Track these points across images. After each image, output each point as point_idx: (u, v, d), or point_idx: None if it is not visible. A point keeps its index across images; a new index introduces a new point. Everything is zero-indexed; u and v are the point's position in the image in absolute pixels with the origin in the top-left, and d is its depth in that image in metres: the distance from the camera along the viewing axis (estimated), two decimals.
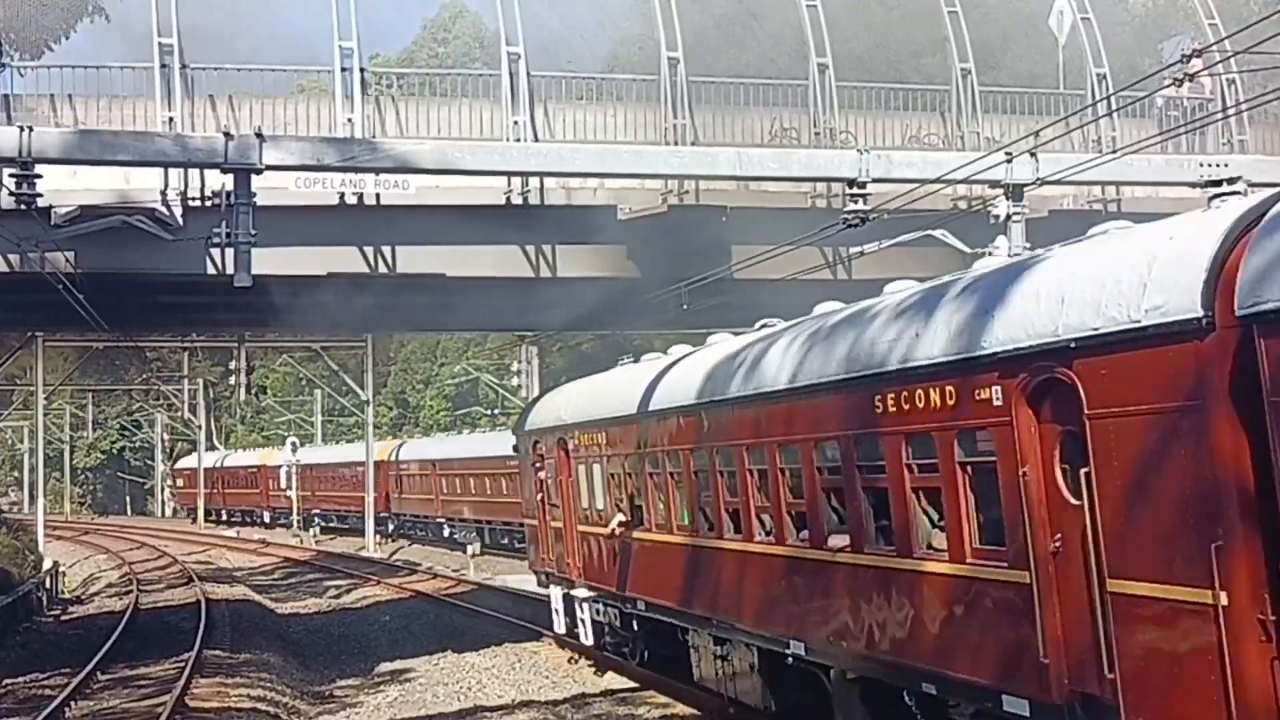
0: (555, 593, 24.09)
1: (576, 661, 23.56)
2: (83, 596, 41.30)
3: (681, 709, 19.31)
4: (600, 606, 21.69)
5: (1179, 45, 23.44)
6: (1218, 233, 9.04)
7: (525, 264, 23.41)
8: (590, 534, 21.45)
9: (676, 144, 22.47)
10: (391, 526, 61.16)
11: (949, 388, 11.24)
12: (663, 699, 20.11)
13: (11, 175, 17.10)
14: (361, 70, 22.28)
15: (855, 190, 18.82)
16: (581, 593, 22.20)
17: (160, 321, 36.61)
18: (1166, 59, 23.53)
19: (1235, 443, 8.53)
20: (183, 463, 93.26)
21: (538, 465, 23.78)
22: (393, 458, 61.38)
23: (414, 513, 59.10)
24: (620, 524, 19.48)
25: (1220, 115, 22.85)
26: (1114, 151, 20.13)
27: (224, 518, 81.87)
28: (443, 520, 54.61)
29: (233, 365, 55.74)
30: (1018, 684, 10.53)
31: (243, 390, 59.52)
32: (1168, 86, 18.20)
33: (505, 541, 47.62)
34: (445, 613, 32.98)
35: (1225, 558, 8.54)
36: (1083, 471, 9.78)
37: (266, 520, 75.31)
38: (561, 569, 23.10)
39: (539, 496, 23.88)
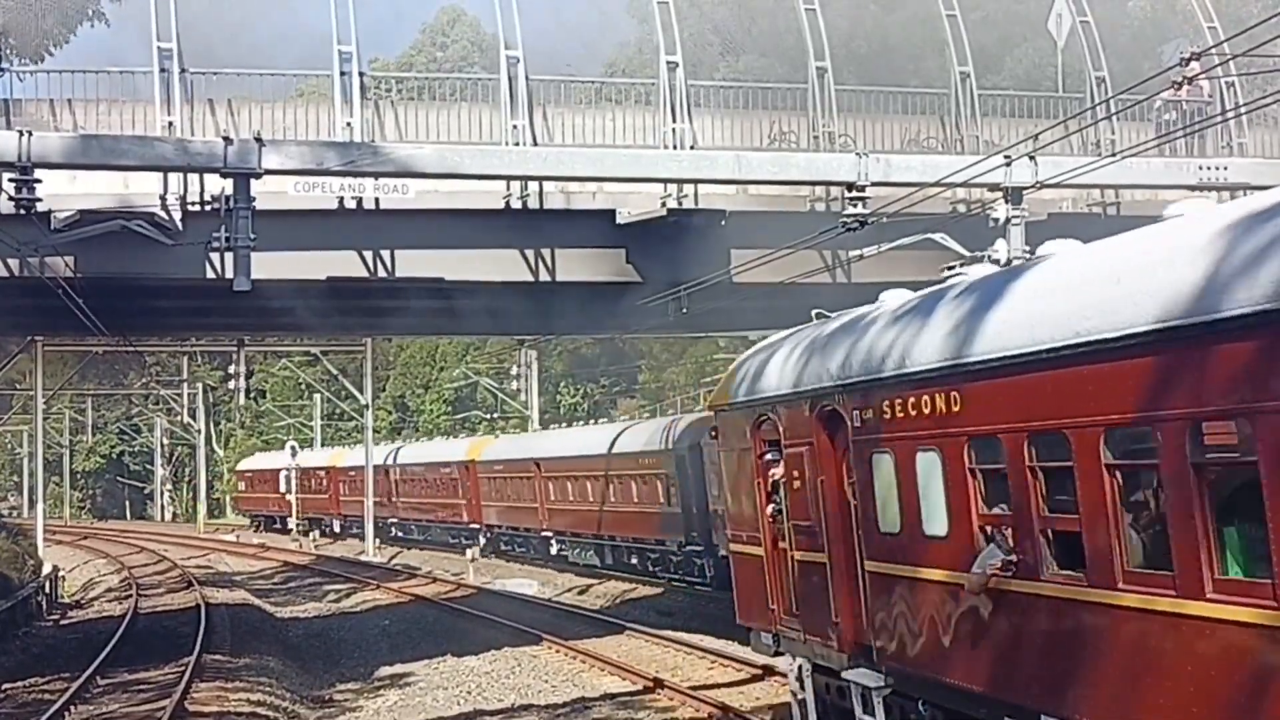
0: (797, 668, 15.16)
1: None
2: (82, 601, 41.30)
3: (682, 713, 19.31)
4: (921, 710, 12.45)
5: (1178, 48, 23.47)
6: None
7: (524, 268, 23.41)
8: (904, 578, 12.18)
9: (675, 148, 22.47)
10: (483, 541, 50.49)
11: None
12: (664, 703, 20.12)
13: (11, 180, 17.11)
14: (361, 74, 22.27)
15: (854, 194, 18.84)
16: (866, 678, 13.11)
17: (159, 326, 36.62)
18: (1166, 62, 23.55)
19: None
20: (245, 464, 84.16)
21: (767, 458, 15.02)
22: (481, 456, 50.82)
23: (511, 524, 48.24)
24: (1004, 565, 10.62)
25: (1219, 118, 22.85)
26: (1113, 154, 20.14)
27: (287, 527, 70.94)
28: (549, 534, 44.64)
29: (232, 369, 55.86)
30: None
31: (242, 394, 59.61)
32: (1167, 90, 18.20)
33: (633, 562, 38.43)
34: (445, 617, 32.98)
35: None
36: None
37: (337, 530, 66.23)
38: (817, 630, 14.14)
39: (768, 509, 15.07)
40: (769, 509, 15.10)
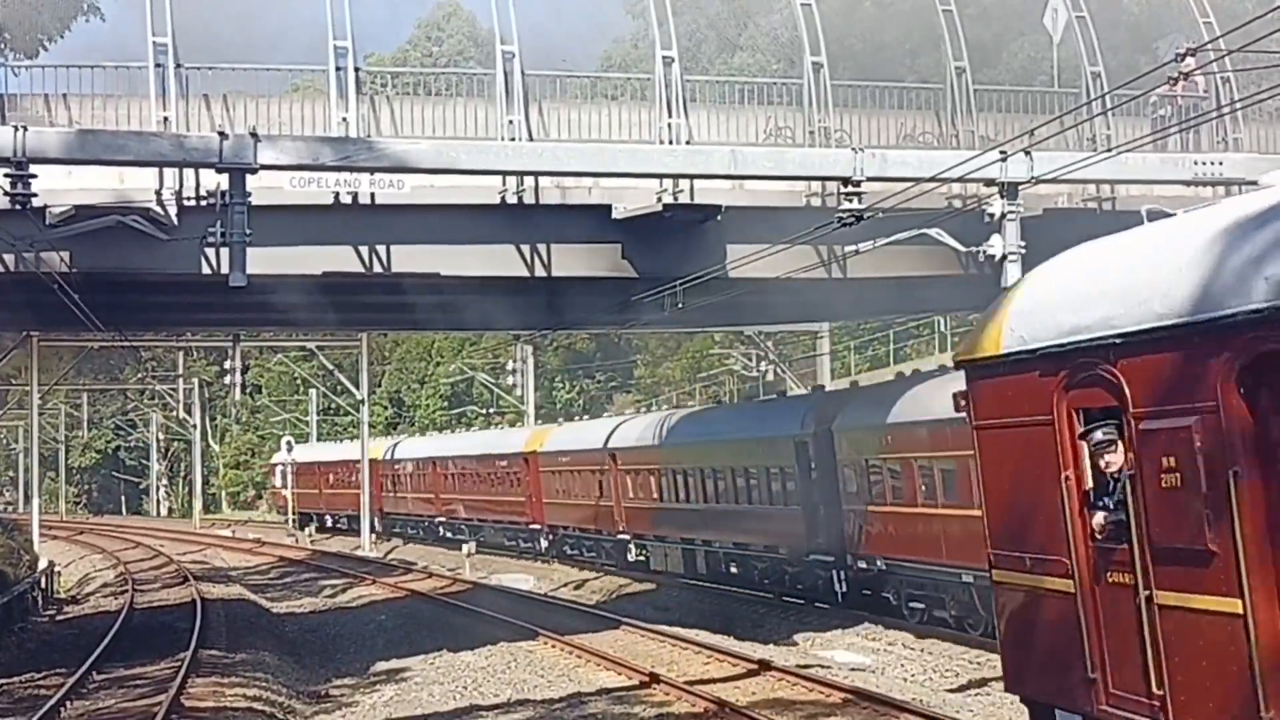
0: None
1: None
2: (78, 596, 41.26)
3: (678, 707, 19.32)
4: None
5: (1173, 44, 23.47)
6: None
7: (520, 263, 23.40)
8: None
9: (671, 143, 22.48)
10: (545, 544, 44.77)
11: None
12: (660, 697, 20.13)
13: (6, 175, 17.11)
14: (356, 69, 22.25)
15: (850, 189, 18.86)
16: None
17: (155, 321, 36.63)
18: (1162, 58, 23.58)
19: None
20: (281, 457, 75.74)
21: (1097, 438, 9.61)
22: (543, 447, 44.74)
23: (580, 525, 42.04)
24: None
25: (1214, 114, 22.88)
26: (1109, 150, 20.17)
27: (328, 525, 64.95)
28: (627, 537, 38.60)
29: (228, 364, 55.72)
30: None
31: (238, 390, 59.54)
32: (1162, 85, 18.25)
33: (733, 571, 32.82)
34: (441, 612, 32.98)
35: None
36: None
37: (379, 530, 59.62)
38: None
39: (1092, 519, 9.71)
40: (1095, 518, 9.67)
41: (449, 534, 53.62)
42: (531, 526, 45.23)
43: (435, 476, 54.28)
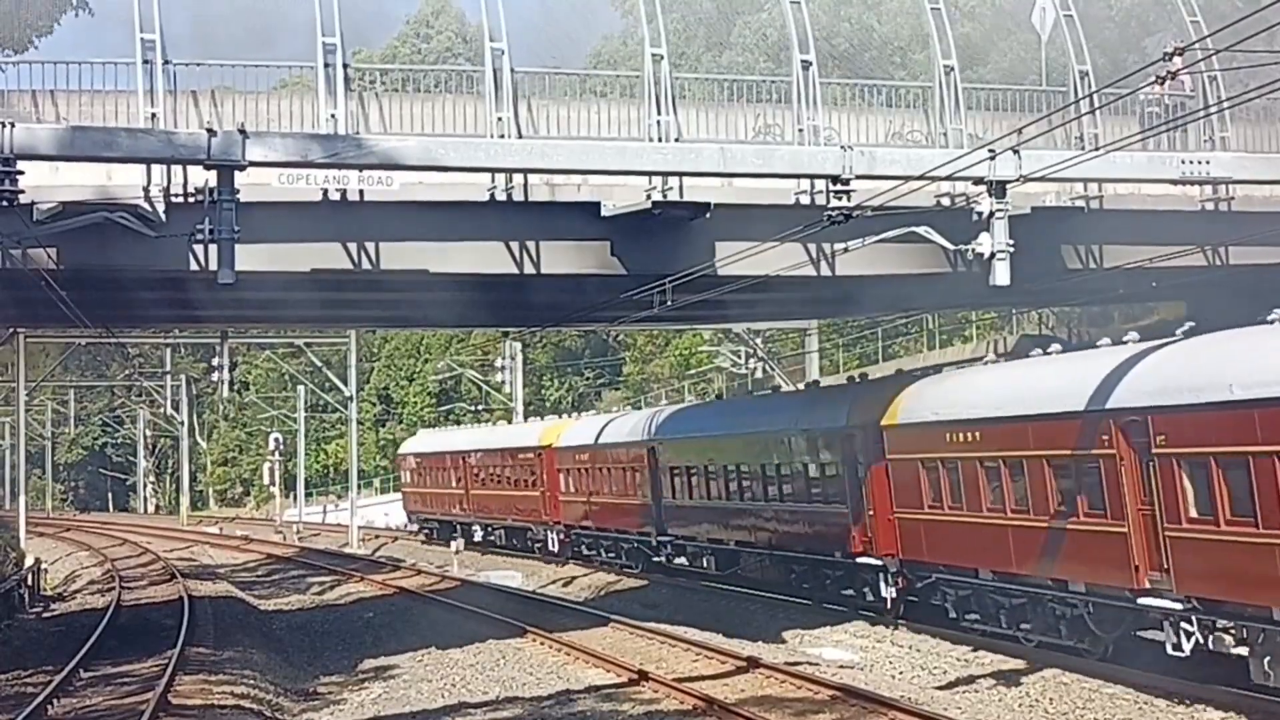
0: None
1: None
2: (65, 593, 41.18)
3: (667, 705, 19.35)
4: None
5: (1161, 43, 23.53)
6: None
7: (509, 260, 23.38)
8: None
9: (660, 140, 22.46)
10: (891, 592, 25.15)
11: None
12: (648, 694, 20.16)
13: None
14: (345, 66, 22.21)
15: (839, 187, 18.86)
16: None
17: (143, 317, 36.53)
18: (1150, 56, 23.62)
19: None
20: (411, 445, 58.83)
21: None
22: (898, 419, 24.42)
23: (976, 563, 22.78)
24: None
25: (1201, 113, 22.93)
26: (1096, 149, 20.21)
27: (475, 538, 48.58)
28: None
29: (215, 361, 55.63)
30: None
31: (225, 386, 59.49)
32: (1149, 84, 18.29)
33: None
34: (429, 609, 32.96)
35: None
36: None
37: (554, 549, 41.98)
38: None
39: None
40: None
41: (680, 560, 34.21)
42: (861, 560, 25.88)
43: (647, 466, 35.28)
